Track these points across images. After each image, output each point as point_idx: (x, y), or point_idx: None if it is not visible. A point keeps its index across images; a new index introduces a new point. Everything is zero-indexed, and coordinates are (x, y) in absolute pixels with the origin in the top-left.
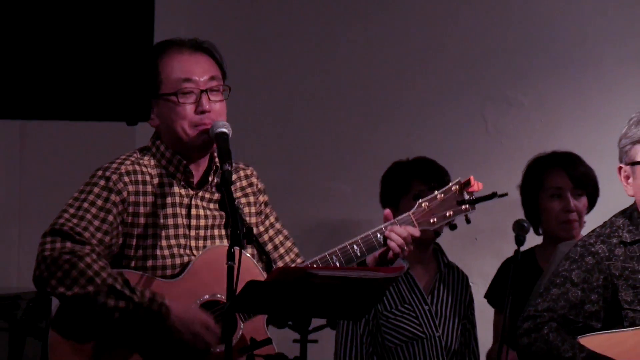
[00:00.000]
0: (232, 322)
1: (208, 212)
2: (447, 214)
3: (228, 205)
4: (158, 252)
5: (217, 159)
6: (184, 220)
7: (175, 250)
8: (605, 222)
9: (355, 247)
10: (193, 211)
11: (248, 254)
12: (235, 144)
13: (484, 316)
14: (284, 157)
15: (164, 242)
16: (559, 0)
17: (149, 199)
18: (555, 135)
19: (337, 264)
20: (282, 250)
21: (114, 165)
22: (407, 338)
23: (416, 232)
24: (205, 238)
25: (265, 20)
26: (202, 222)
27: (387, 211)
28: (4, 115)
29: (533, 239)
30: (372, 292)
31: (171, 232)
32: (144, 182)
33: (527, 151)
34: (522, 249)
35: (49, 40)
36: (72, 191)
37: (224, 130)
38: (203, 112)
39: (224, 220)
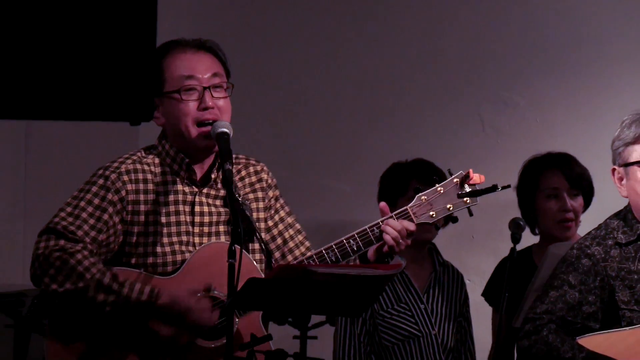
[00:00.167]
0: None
1: (213, 209)
2: (448, 206)
3: (229, 203)
4: (159, 249)
5: None
6: (187, 217)
7: (177, 247)
8: (600, 224)
9: (351, 241)
10: (197, 208)
11: (249, 253)
12: (235, 144)
13: (481, 314)
14: (283, 157)
15: (165, 239)
16: (554, 2)
17: (150, 197)
18: (550, 135)
19: (333, 259)
20: (291, 244)
21: (114, 165)
22: (404, 337)
23: (411, 226)
24: (209, 234)
25: (265, 21)
26: (207, 218)
27: (383, 204)
28: (9, 116)
29: (530, 238)
30: (371, 289)
31: (173, 229)
32: (145, 181)
33: (523, 151)
34: (519, 247)
35: (54, 42)
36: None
37: (225, 130)
38: (206, 108)
39: (229, 216)
